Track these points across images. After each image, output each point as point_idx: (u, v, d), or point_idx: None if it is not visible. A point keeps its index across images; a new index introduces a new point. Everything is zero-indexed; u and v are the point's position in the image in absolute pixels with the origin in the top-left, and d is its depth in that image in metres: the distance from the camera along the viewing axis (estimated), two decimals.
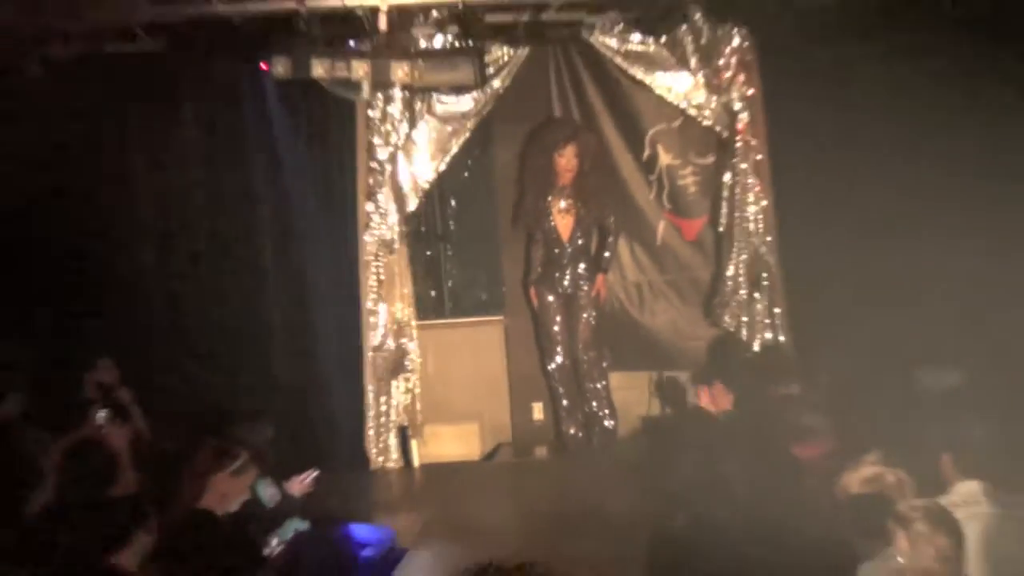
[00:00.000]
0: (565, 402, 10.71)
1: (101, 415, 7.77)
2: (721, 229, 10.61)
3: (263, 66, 9.18)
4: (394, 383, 10.56)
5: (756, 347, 10.51)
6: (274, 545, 7.40)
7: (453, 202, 11.76)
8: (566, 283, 10.59)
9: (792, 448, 6.93)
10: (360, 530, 8.01)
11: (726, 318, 10.57)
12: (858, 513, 5.18)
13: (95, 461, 7.42)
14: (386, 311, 10.52)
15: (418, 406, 10.64)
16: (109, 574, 5.99)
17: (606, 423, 10.64)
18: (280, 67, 9.05)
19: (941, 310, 9.08)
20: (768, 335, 10.50)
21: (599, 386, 10.62)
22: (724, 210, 10.55)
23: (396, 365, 10.53)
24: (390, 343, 10.52)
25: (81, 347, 9.62)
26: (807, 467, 6.66)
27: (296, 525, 7.61)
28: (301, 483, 8.27)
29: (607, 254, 10.71)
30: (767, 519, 6.07)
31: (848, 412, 7.68)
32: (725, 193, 10.52)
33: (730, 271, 10.54)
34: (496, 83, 10.49)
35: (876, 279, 9.58)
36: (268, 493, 7.88)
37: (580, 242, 10.59)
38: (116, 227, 10.56)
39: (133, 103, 10.55)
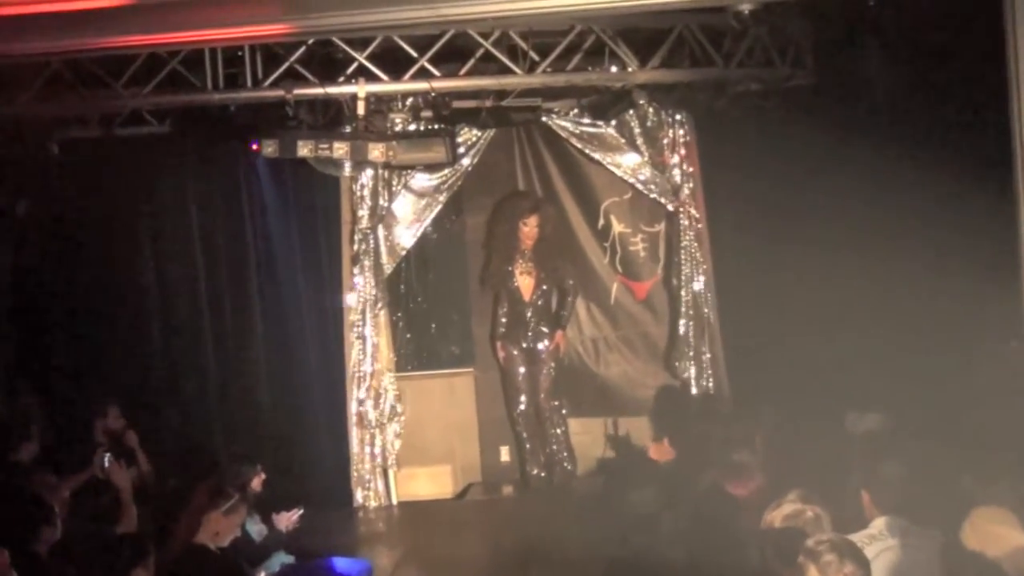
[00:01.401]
0: (528, 445, 10.62)
1: (106, 458, 7.62)
2: (673, 291, 10.61)
3: (255, 147, 9.13)
4: (378, 428, 10.43)
5: (700, 394, 10.46)
6: None
7: (428, 266, 11.75)
8: (529, 338, 10.53)
9: (726, 485, 6.81)
10: (341, 563, 7.92)
11: (681, 369, 10.53)
12: (780, 546, 5.10)
13: (101, 501, 7.45)
14: (370, 364, 10.43)
15: (397, 449, 10.52)
16: None
17: (566, 464, 10.55)
18: (270, 148, 9.02)
19: (867, 360, 9.01)
20: (711, 384, 10.49)
21: (559, 431, 10.55)
22: (674, 273, 10.56)
23: (391, 412, 10.46)
24: (376, 393, 10.43)
25: (90, 397, 9.55)
26: (740, 503, 6.58)
27: (282, 559, 7.56)
28: (288, 519, 8.20)
29: (565, 312, 10.65)
30: (705, 550, 6.00)
31: (780, 452, 7.57)
32: (675, 258, 10.53)
33: (681, 328, 10.53)
34: (466, 160, 10.51)
35: (809, 330, 9.54)
36: (256, 529, 7.83)
37: (541, 301, 10.54)
38: (123, 290, 10.58)
39: (141, 179, 10.54)
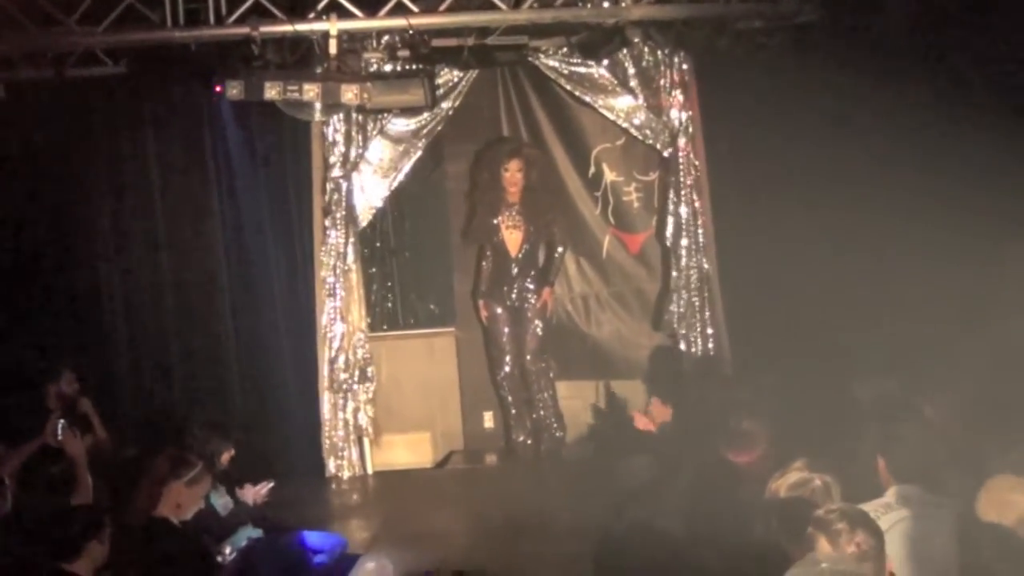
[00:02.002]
0: (514, 411, 10.64)
1: (59, 425, 7.59)
2: (668, 244, 10.58)
3: (218, 89, 9.01)
4: (350, 393, 10.44)
5: (697, 355, 10.48)
6: (227, 553, 7.32)
7: (406, 218, 11.82)
8: (514, 296, 10.51)
9: (728, 454, 6.82)
10: (312, 537, 7.92)
11: (676, 328, 10.53)
12: (785, 517, 5.10)
13: (53, 471, 7.43)
14: (341, 324, 10.43)
15: (371, 415, 10.52)
16: None
17: (554, 431, 10.58)
18: (234, 90, 8.90)
19: (876, 318, 9.06)
20: (710, 344, 10.48)
21: (546, 395, 10.56)
22: (670, 226, 10.53)
23: (360, 375, 10.44)
24: (346, 355, 10.42)
25: (42, 359, 9.49)
26: (742, 472, 6.59)
27: (249, 533, 7.54)
28: (256, 492, 8.19)
29: (553, 267, 10.64)
30: (705, 522, 6.03)
31: (784, 417, 7.49)
32: (670, 208, 10.51)
33: (677, 284, 10.52)
34: (446, 104, 10.47)
35: (813, 289, 9.51)
36: (221, 502, 7.81)
37: (528, 256, 10.53)
38: (78, 242, 10.49)
39: (96, 124, 10.47)
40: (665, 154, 10.54)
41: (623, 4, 9.19)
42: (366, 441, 10.61)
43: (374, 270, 11.43)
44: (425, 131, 10.56)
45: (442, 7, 9.09)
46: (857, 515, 4.69)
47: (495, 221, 10.51)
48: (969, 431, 6.61)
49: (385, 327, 11.45)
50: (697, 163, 10.48)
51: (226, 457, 8.30)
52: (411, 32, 9.39)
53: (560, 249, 10.65)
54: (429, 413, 11.01)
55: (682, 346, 10.53)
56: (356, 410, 10.49)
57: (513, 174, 10.40)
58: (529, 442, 10.63)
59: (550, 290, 10.56)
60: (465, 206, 10.80)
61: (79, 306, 10.37)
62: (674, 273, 10.52)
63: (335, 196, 10.42)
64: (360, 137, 10.43)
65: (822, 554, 4.55)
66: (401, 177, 10.69)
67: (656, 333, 10.78)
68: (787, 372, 8.68)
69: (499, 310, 10.57)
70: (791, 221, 9.64)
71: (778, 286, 9.78)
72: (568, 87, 10.48)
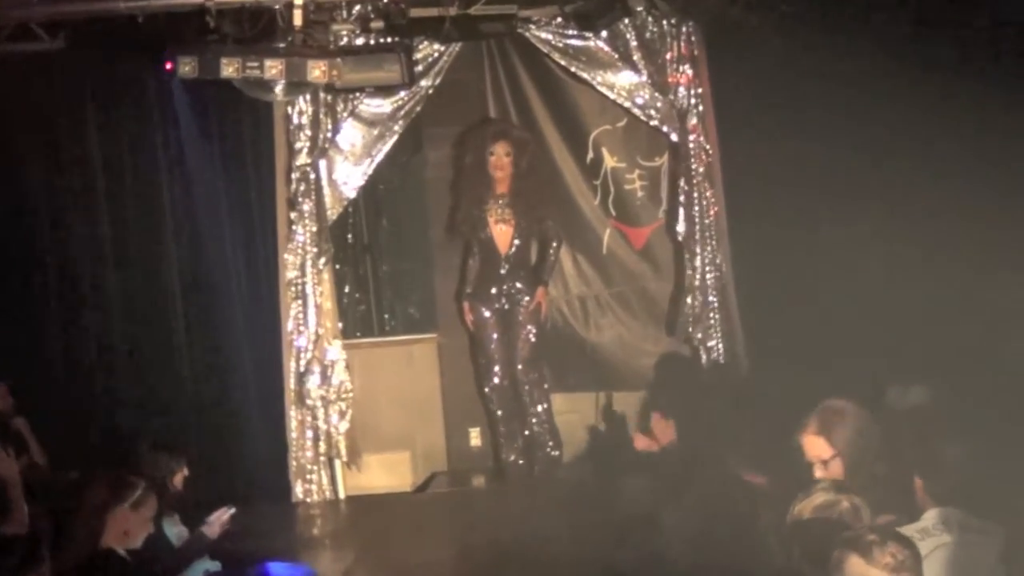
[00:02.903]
0: (503, 427, 10.60)
1: None
2: (680, 238, 10.57)
3: (168, 67, 8.95)
4: (320, 407, 10.39)
5: (710, 363, 10.47)
6: None
7: (381, 211, 11.81)
8: (504, 297, 10.47)
9: (744, 473, 6.89)
10: (278, 570, 7.82)
11: (691, 332, 10.51)
12: (809, 542, 5.06)
13: None
14: (309, 330, 10.39)
15: (344, 432, 10.46)
16: None
17: (549, 449, 10.53)
18: (187, 67, 8.85)
19: (912, 322, 9.07)
20: (723, 350, 10.47)
21: (540, 409, 10.50)
22: (681, 218, 10.50)
23: (331, 387, 10.39)
24: (314, 365, 10.38)
25: None
26: (761, 494, 6.55)
27: (206, 566, 7.51)
28: (218, 521, 8.12)
29: (547, 265, 10.60)
30: (718, 551, 5.89)
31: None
32: (681, 199, 10.48)
33: (687, 283, 10.50)
34: (426, 82, 10.44)
35: (838, 289, 9.56)
36: (175, 531, 7.78)
37: (519, 253, 10.49)
38: (9, 241, 10.47)
39: (31, 107, 10.46)
40: (673, 137, 10.51)
41: None
42: (337, 462, 10.55)
43: (345, 269, 11.44)
44: (402, 113, 10.54)
45: None
46: (888, 530, 4.71)
47: (482, 213, 10.45)
48: (1017, 447, 6.58)
49: (359, 334, 11.45)
50: (708, 147, 10.45)
51: (179, 479, 8.25)
52: (386, 1, 9.33)
53: (555, 244, 10.63)
54: (408, 430, 10.99)
55: (694, 352, 10.52)
56: (326, 427, 10.42)
57: (500, 158, 10.36)
58: (521, 462, 10.60)
59: (544, 291, 10.51)
60: (448, 197, 10.75)
61: (12, 314, 10.35)
62: (688, 271, 10.50)
63: (301, 186, 10.37)
64: (329, 120, 10.40)
65: (853, 573, 4.54)
66: (375, 164, 10.66)
67: (663, 339, 10.78)
68: (810, 381, 8.35)
69: (487, 314, 10.51)
70: (815, 213, 9.63)
71: (801, 283, 9.78)
72: (563, 62, 10.48)
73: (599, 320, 10.94)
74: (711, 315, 10.50)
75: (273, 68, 8.83)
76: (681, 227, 10.54)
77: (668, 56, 10.37)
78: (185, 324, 10.63)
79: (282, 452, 10.44)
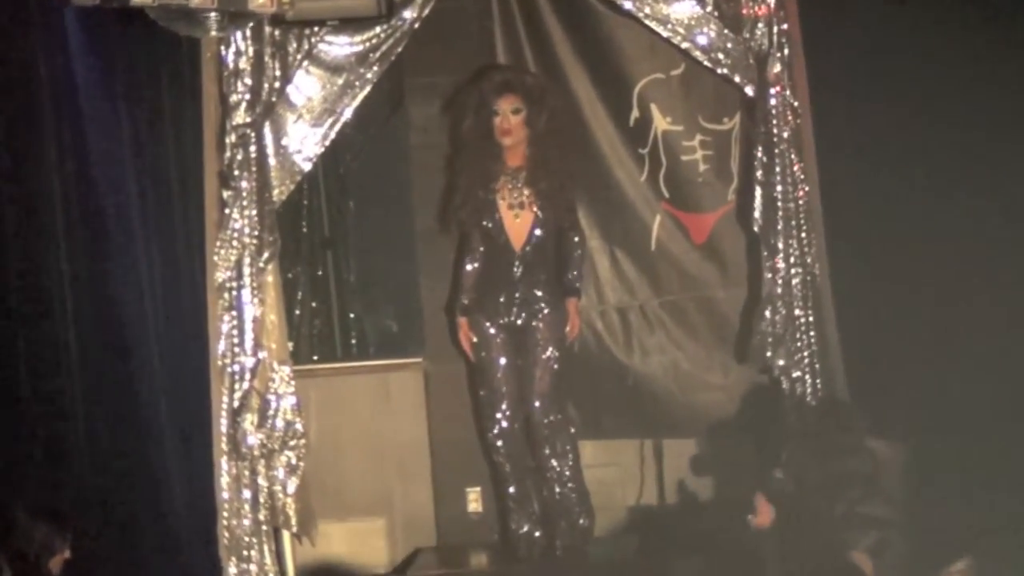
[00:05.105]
0: (514, 487, 10.35)
1: None
2: (757, 228, 10.33)
3: None
4: (261, 458, 10.33)
5: (797, 399, 10.25)
6: None
7: (347, 191, 11.90)
8: (515, 309, 10.24)
9: (853, 555, 6.98)
10: None
11: (770, 357, 10.29)
12: None
13: None
14: (248, 353, 10.29)
15: (295, 492, 10.39)
16: None
17: (575, 517, 10.30)
18: None
19: None
20: (817, 382, 10.25)
21: (565, 462, 10.25)
22: (758, 200, 10.27)
23: (277, 430, 10.34)
24: (253, 402, 10.29)
25: None
26: None
27: None
28: None
29: (575, 268, 10.39)
30: None
31: (928, 497, 7.87)
32: (759, 175, 10.25)
33: (768, 291, 10.28)
34: (409, 12, 10.27)
35: (963, 298, 9.56)
36: None
37: (538, 249, 10.26)
38: None
39: None
40: (748, 91, 10.30)
41: None
42: (285, 533, 10.49)
43: (298, 269, 11.52)
44: (377, 55, 10.36)
45: None
46: None
47: (489, 195, 10.23)
48: None
49: (316, 357, 11.57)
50: (797, 104, 10.22)
51: (57, 563, 8.11)
52: None
53: (575, 238, 10.48)
54: (383, 489, 10.95)
55: (775, 384, 10.33)
56: (269, 485, 10.33)
57: (506, 118, 10.13)
58: (537, 534, 10.36)
59: (575, 302, 10.30)
60: (441, 172, 10.63)
61: None
62: (767, 274, 10.27)
63: (238, 156, 10.22)
64: (277, 65, 10.28)
65: None
66: (340, 125, 10.55)
67: (732, 367, 10.67)
68: (931, 423, 8.86)
69: (492, 331, 10.27)
70: (939, 189, 9.64)
71: (920, 292, 9.75)
72: None
73: (645, 341, 10.78)
74: (799, 335, 10.28)
75: None
76: (758, 213, 10.30)
77: None
78: (79, 346, 10.37)
79: (210, 520, 10.29)
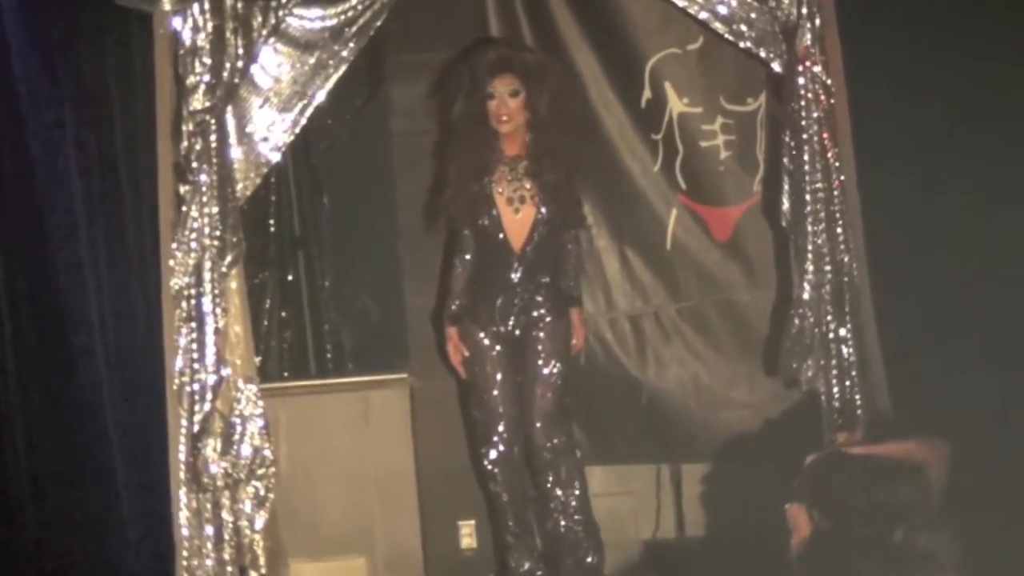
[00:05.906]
0: (512, 520, 10.18)
1: None
2: (786, 223, 10.14)
3: None
4: (225, 489, 10.06)
5: (829, 416, 10.03)
6: None
7: (321, 186, 11.82)
8: (513, 318, 10.04)
9: None
10: None
11: (800, 371, 10.05)
12: None
13: None
14: (210, 371, 10.01)
15: (263, 527, 10.11)
16: None
17: (582, 554, 10.09)
18: None
19: None
20: (856, 398, 10.00)
21: (570, 492, 10.05)
22: (787, 191, 10.08)
23: (243, 458, 10.09)
24: (215, 425, 10.02)
25: None
26: None
27: None
28: None
29: (574, 267, 10.25)
30: None
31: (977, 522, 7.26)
32: (787, 162, 10.05)
33: (800, 295, 10.04)
34: None
35: (1019, 303, 9.49)
36: None
37: (540, 249, 10.05)
38: None
39: None
40: (775, 67, 10.11)
41: None
42: (253, 574, 10.19)
43: (266, 274, 11.45)
44: (354, 30, 10.17)
45: None
46: None
47: (484, 189, 10.04)
48: None
49: (286, 374, 11.49)
50: (830, 82, 9.99)
51: None
52: None
53: (589, 235, 10.46)
54: (364, 523, 10.83)
55: (809, 399, 10.10)
56: (234, 519, 10.08)
57: (502, 101, 9.92)
58: (539, 574, 10.22)
59: (579, 310, 10.15)
60: (427, 162, 10.51)
61: None
62: (797, 275, 10.06)
63: (197, 146, 9.94)
64: (240, 41, 10.01)
65: None
66: (312, 109, 10.39)
67: (760, 380, 10.54)
68: (980, 443, 8.42)
69: (486, 342, 10.06)
70: (992, 184, 9.56)
71: (966, 296, 9.73)
72: None
73: (660, 352, 10.66)
74: (832, 344, 10.04)
75: None
76: (787, 206, 10.12)
77: None
78: (17, 364, 10.51)
79: (168, 560, 10.09)
